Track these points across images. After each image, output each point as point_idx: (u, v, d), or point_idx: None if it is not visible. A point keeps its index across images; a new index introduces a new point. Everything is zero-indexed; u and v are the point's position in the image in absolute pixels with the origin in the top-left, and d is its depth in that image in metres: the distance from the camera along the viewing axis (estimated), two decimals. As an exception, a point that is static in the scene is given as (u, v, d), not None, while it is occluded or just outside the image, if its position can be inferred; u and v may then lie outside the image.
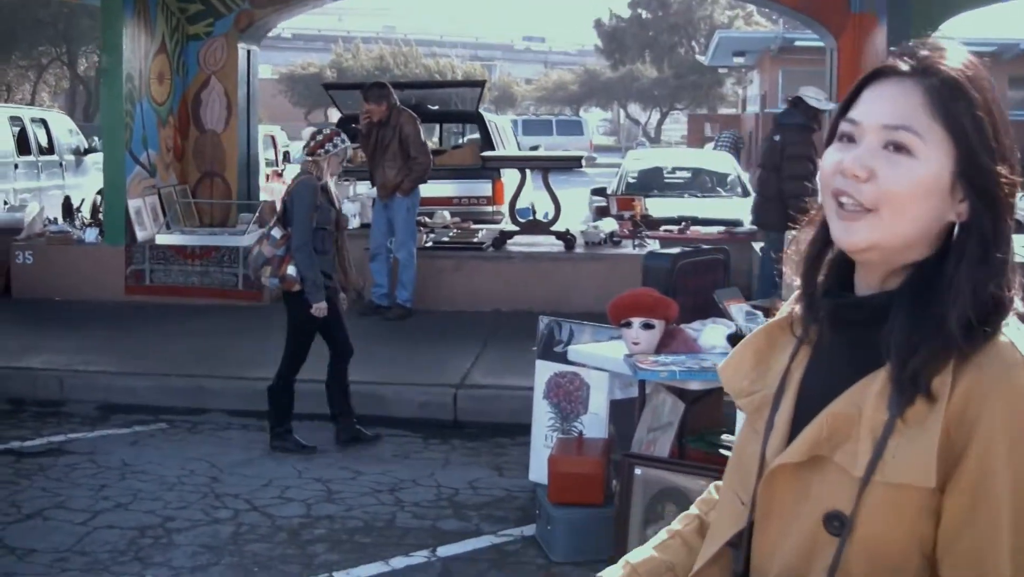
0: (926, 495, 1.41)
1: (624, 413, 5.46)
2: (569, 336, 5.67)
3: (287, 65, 57.90)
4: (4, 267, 10.90)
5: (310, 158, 6.61)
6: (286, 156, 20.23)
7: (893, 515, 1.42)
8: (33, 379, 7.93)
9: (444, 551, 5.21)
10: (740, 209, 13.11)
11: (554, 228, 10.94)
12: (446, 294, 10.41)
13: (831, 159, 1.51)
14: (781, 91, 31.17)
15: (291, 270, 6.43)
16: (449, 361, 8.29)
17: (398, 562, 5.08)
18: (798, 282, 1.62)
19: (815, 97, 9.51)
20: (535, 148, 20.17)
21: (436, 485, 6.13)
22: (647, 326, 4.89)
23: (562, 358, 5.58)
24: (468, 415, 7.41)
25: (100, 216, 11.93)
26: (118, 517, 5.56)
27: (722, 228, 11.64)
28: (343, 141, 6.67)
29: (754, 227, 11.83)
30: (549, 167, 11.64)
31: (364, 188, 11.59)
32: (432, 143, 15.99)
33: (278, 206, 12.87)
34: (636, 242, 10.73)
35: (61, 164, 16.53)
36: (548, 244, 10.92)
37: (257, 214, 11.51)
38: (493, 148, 13.21)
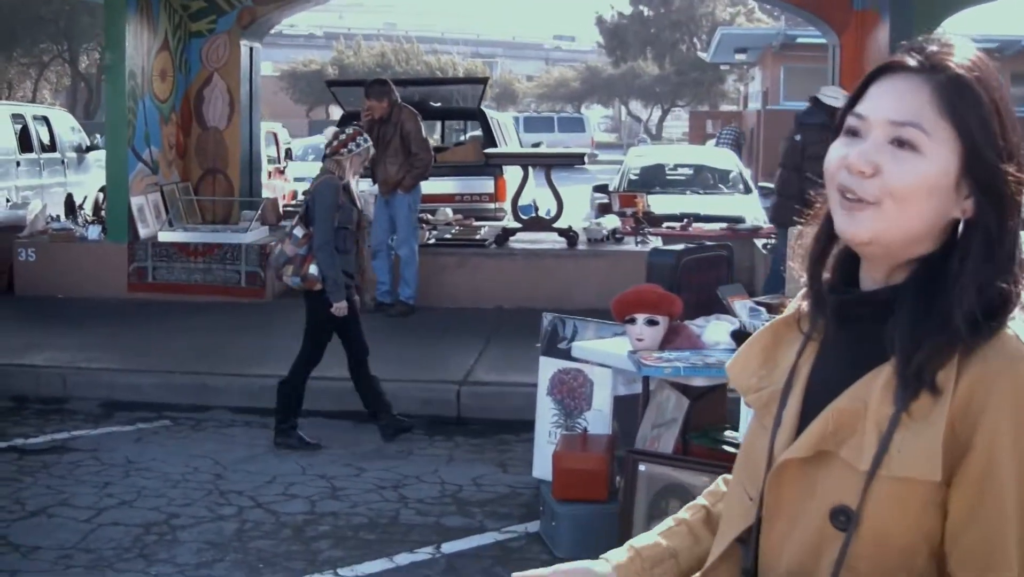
0: (932, 489, 1.42)
1: (628, 409, 5.47)
2: (573, 333, 5.67)
3: (288, 62, 57.88)
4: (7, 264, 10.91)
5: (333, 158, 6.62)
6: (288, 153, 20.21)
7: (899, 509, 1.42)
8: (36, 376, 7.94)
9: (448, 547, 5.22)
10: (742, 206, 13.14)
11: (556, 225, 10.95)
12: (449, 291, 10.42)
13: (836, 153, 1.51)
14: (783, 88, 31.17)
15: (313, 269, 6.46)
16: (452, 358, 8.29)
17: (402, 559, 5.08)
18: (804, 277, 1.62)
19: (833, 96, 9.49)
20: (537, 145, 20.16)
21: (440, 482, 6.14)
22: (651, 322, 4.90)
23: (566, 355, 5.58)
24: (471, 412, 7.42)
25: (102, 213, 11.95)
26: (122, 514, 5.56)
27: (724, 225, 11.64)
28: (365, 141, 6.70)
29: (755, 224, 11.86)
30: (552, 164, 11.64)
31: (365, 185, 11.59)
32: (434, 140, 16.00)
33: (280, 204, 12.94)
34: (638, 239, 10.73)
35: (63, 161, 16.53)
36: (550, 241, 10.92)
37: (259, 211, 11.52)
38: (495, 145, 13.20)
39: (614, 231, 10.99)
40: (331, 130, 6.83)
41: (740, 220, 11.99)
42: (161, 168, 11.50)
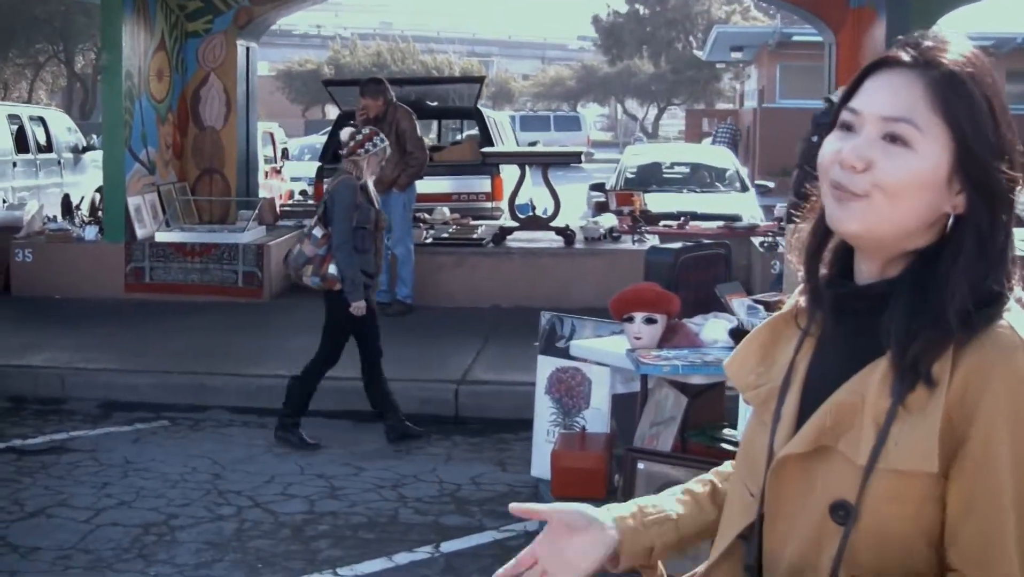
0: (930, 481, 1.43)
1: (626, 408, 5.47)
2: (571, 331, 5.68)
3: (284, 62, 57.80)
4: (4, 265, 10.90)
5: (350, 158, 6.64)
6: (284, 153, 20.20)
7: (898, 502, 1.43)
8: (34, 377, 7.93)
9: (447, 546, 5.22)
10: (739, 204, 13.14)
11: (553, 224, 10.95)
12: (446, 290, 10.42)
13: (830, 148, 1.52)
14: (779, 86, 31.17)
15: (332, 269, 6.48)
16: (450, 357, 8.29)
17: (401, 558, 5.09)
18: (801, 272, 1.63)
19: None
20: (534, 144, 20.18)
21: (438, 481, 6.14)
22: (649, 321, 4.90)
23: (564, 353, 5.59)
24: (470, 411, 7.42)
25: (99, 214, 11.93)
26: (121, 515, 5.56)
27: (721, 223, 11.64)
28: (382, 141, 6.73)
29: (752, 222, 11.87)
30: (548, 163, 11.65)
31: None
32: (431, 139, 15.99)
33: (277, 204, 12.94)
34: (635, 237, 10.74)
35: (59, 162, 16.52)
36: (548, 240, 10.93)
37: (256, 211, 11.51)
38: (492, 144, 13.20)
39: (611, 230, 11.00)
40: (348, 131, 6.85)
41: (737, 218, 12.00)
42: (158, 168, 11.50)
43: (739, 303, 5.08)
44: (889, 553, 1.44)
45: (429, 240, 10.98)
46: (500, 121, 15.59)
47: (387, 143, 6.86)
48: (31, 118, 16.23)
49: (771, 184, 16.64)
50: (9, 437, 6.85)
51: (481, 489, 6.02)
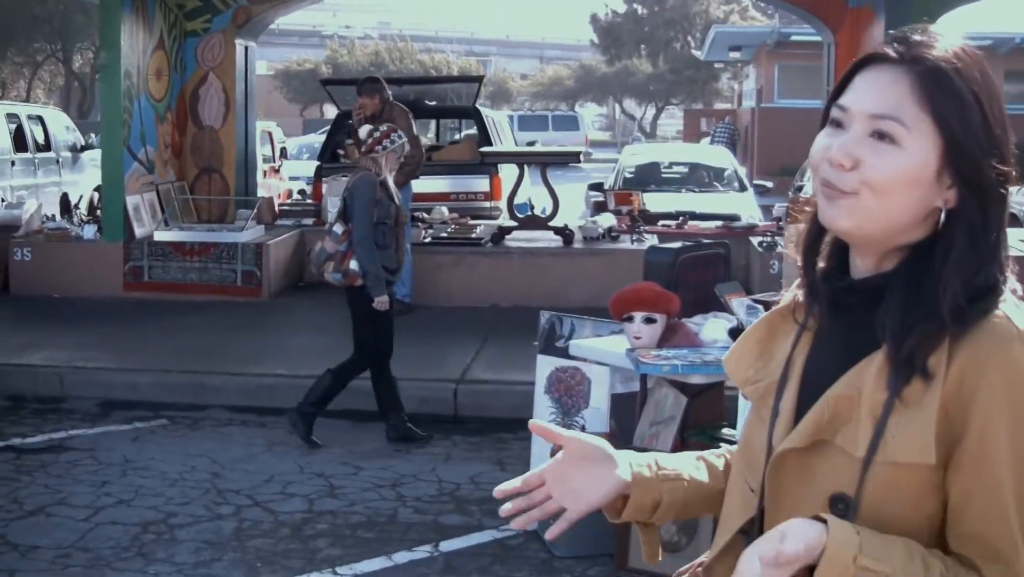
0: (928, 472, 1.43)
1: (625, 407, 5.47)
2: (570, 331, 5.68)
3: (282, 61, 57.78)
4: (2, 264, 10.89)
5: (369, 155, 6.66)
6: (283, 152, 20.19)
7: (897, 494, 1.44)
8: (33, 376, 7.93)
9: (446, 546, 5.22)
10: (737, 204, 13.14)
11: (552, 223, 10.95)
12: (444, 290, 10.42)
13: (820, 145, 1.53)
14: (777, 86, 31.18)
15: (353, 265, 6.51)
16: (449, 356, 8.29)
17: (401, 557, 5.09)
18: (799, 265, 1.65)
19: None
20: (532, 143, 20.17)
21: (438, 480, 6.14)
22: (649, 320, 4.90)
23: (563, 353, 5.58)
24: (468, 410, 7.42)
25: (98, 213, 11.92)
26: (120, 513, 5.56)
27: (719, 223, 11.65)
28: (400, 137, 6.75)
29: (751, 221, 11.87)
30: (547, 162, 11.65)
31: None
32: (429, 139, 16.00)
33: (276, 203, 12.93)
34: (634, 237, 10.74)
35: (58, 161, 16.52)
36: (546, 239, 10.93)
37: (255, 210, 11.51)
38: (491, 144, 13.20)
39: (610, 229, 11.01)
40: (366, 128, 6.87)
41: (736, 218, 12.00)
42: (157, 167, 11.50)
43: (738, 303, 5.08)
44: None
45: (428, 239, 10.98)
46: (499, 121, 15.59)
47: (405, 140, 6.90)
48: (29, 117, 16.23)
49: (769, 184, 16.67)
50: (8, 436, 6.85)
51: (480, 488, 6.02)
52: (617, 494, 1.68)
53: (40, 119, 16.52)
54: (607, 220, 11.22)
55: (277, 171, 18.26)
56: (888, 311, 1.48)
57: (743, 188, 14.43)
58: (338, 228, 6.59)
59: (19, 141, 15.46)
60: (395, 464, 6.39)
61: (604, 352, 5.18)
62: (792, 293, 1.68)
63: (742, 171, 15.66)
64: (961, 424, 1.42)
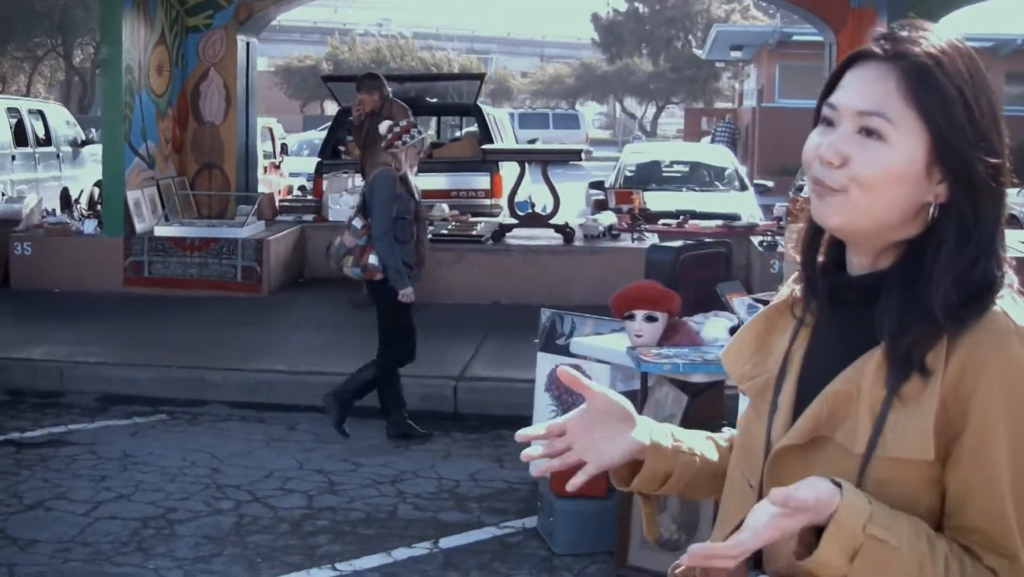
0: (927, 468, 1.44)
1: (626, 406, 5.46)
2: (571, 329, 5.68)
3: (283, 57, 57.73)
4: (3, 258, 10.89)
5: (388, 151, 6.67)
6: (284, 148, 20.19)
7: (896, 489, 1.45)
8: (33, 370, 7.93)
9: (446, 542, 5.23)
10: (738, 203, 13.14)
11: (553, 221, 10.95)
12: (445, 287, 10.40)
13: (811, 143, 1.54)
14: (778, 86, 31.17)
15: (373, 259, 6.53)
16: (449, 353, 8.29)
17: (400, 553, 5.09)
18: (798, 260, 1.66)
19: None
20: (533, 141, 20.16)
21: (437, 477, 6.14)
22: (650, 319, 4.90)
23: (564, 350, 5.58)
24: (468, 407, 7.42)
25: (98, 207, 11.92)
26: (120, 508, 5.57)
27: (720, 222, 11.65)
28: (419, 133, 6.77)
29: (751, 221, 11.87)
30: (548, 160, 11.64)
31: (362, 181, 11.59)
32: (430, 136, 15.94)
33: (276, 199, 12.93)
34: (635, 235, 10.74)
35: (58, 156, 16.51)
36: (547, 237, 10.93)
37: (256, 206, 11.51)
38: (492, 141, 13.19)
39: (610, 227, 11.00)
40: (386, 124, 6.87)
41: (736, 217, 12.00)
42: (157, 162, 11.49)
43: (739, 302, 5.08)
44: None
45: (428, 236, 10.95)
46: (500, 118, 15.58)
47: (425, 135, 6.90)
48: (30, 111, 16.22)
49: (770, 183, 16.66)
50: (8, 430, 6.85)
51: (479, 486, 6.02)
52: (634, 456, 1.69)
53: (41, 113, 16.51)
54: (608, 218, 11.22)
55: (278, 167, 18.25)
56: (885, 309, 1.49)
57: (744, 187, 14.42)
58: (357, 222, 6.60)
59: (20, 135, 15.44)
60: (395, 461, 6.39)
61: (605, 350, 5.19)
62: (789, 288, 1.69)
63: (743, 170, 15.65)
64: (960, 420, 1.43)
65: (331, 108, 33.60)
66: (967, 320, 1.44)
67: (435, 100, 14.64)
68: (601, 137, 56.58)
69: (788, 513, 1.37)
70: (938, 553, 1.39)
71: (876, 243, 1.53)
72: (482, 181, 13.10)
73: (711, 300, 5.29)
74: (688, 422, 4.91)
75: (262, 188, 13.46)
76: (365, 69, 35.99)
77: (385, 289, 6.59)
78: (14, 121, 15.39)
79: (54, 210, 12.94)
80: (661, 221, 11.45)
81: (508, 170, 12.62)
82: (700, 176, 15.03)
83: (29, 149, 15.64)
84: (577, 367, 5.60)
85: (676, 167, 15.53)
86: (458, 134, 16.80)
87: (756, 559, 1.59)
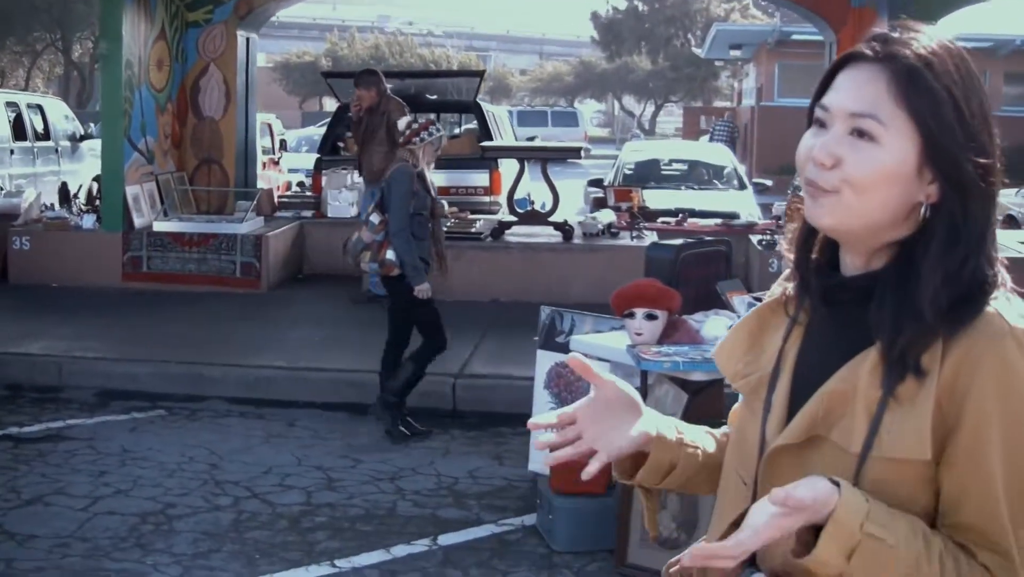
0: (922, 467, 1.45)
1: (625, 404, 5.46)
2: (571, 326, 5.68)
3: (282, 53, 57.73)
4: (1, 253, 10.88)
5: (406, 147, 6.66)
6: (283, 144, 20.17)
7: (892, 488, 1.46)
8: (31, 365, 7.92)
9: (445, 540, 5.22)
10: (737, 202, 13.13)
11: (552, 219, 10.94)
12: (443, 284, 10.38)
13: (805, 144, 1.55)
14: (777, 85, 31.18)
15: (390, 255, 6.54)
16: (448, 351, 8.25)
17: (399, 550, 5.09)
18: (791, 259, 1.66)
19: None
20: (532, 139, 20.16)
21: (436, 474, 6.14)
22: (650, 317, 4.90)
23: (563, 348, 5.58)
24: (467, 404, 7.42)
25: (97, 202, 11.90)
26: (118, 503, 5.56)
27: (719, 220, 11.65)
28: (438, 130, 6.78)
29: (750, 220, 11.87)
30: (548, 158, 11.64)
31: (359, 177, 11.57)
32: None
33: (275, 195, 12.92)
34: (633, 233, 10.74)
35: (57, 150, 16.49)
36: (546, 235, 10.92)
37: (255, 202, 11.50)
38: (491, 138, 13.18)
39: (609, 225, 11.00)
40: (405, 120, 6.88)
41: (735, 216, 11.99)
42: (156, 158, 11.48)
43: (740, 300, 5.09)
44: None
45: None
46: (499, 116, 15.57)
47: (443, 132, 6.91)
48: (29, 106, 16.19)
49: (769, 182, 16.65)
50: (6, 425, 6.84)
51: (478, 483, 6.02)
52: (641, 447, 1.70)
53: (39, 108, 16.49)
54: (607, 216, 11.22)
55: (276, 163, 18.24)
56: (880, 311, 1.50)
57: (742, 186, 14.42)
58: (375, 218, 6.60)
59: (18, 130, 15.42)
60: (393, 457, 6.39)
61: (605, 348, 5.18)
62: (782, 286, 1.69)
63: (741, 169, 15.65)
64: (955, 419, 1.44)
65: (330, 104, 33.56)
66: (961, 321, 1.45)
67: (435, 97, 14.62)
68: (599, 135, 56.59)
69: (787, 512, 1.38)
70: (933, 551, 1.41)
71: (869, 243, 1.53)
72: (481, 178, 13.09)
73: (711, 298, 5.29)
74: (688, 420, 4.88)
75: (261, 184, 13.45)
76: (364, 65, 35.99)
77: (402, 285, 6.59)
78: (13, 115, 15.38)
79: (53, 205, 12.93)
80: (660, 219, 11.45)
81: (507, 167, 12.62)
82: (699, 175, 15.02)
83: (28, 143, 15.62)
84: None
85: (675, 165, 15.53)
86: (457, 131, 16.79)
87: (751, 557, 1.60)
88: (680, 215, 11.54)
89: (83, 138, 17.21)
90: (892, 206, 1.49)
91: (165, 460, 6.24)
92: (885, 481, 1.45)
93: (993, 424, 1.42)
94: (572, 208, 14.14)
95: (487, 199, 13.03)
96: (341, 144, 13.26)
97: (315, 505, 5.62)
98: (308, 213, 12.17)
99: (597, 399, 1.69)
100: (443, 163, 12.85)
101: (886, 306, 1.49)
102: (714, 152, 17.11)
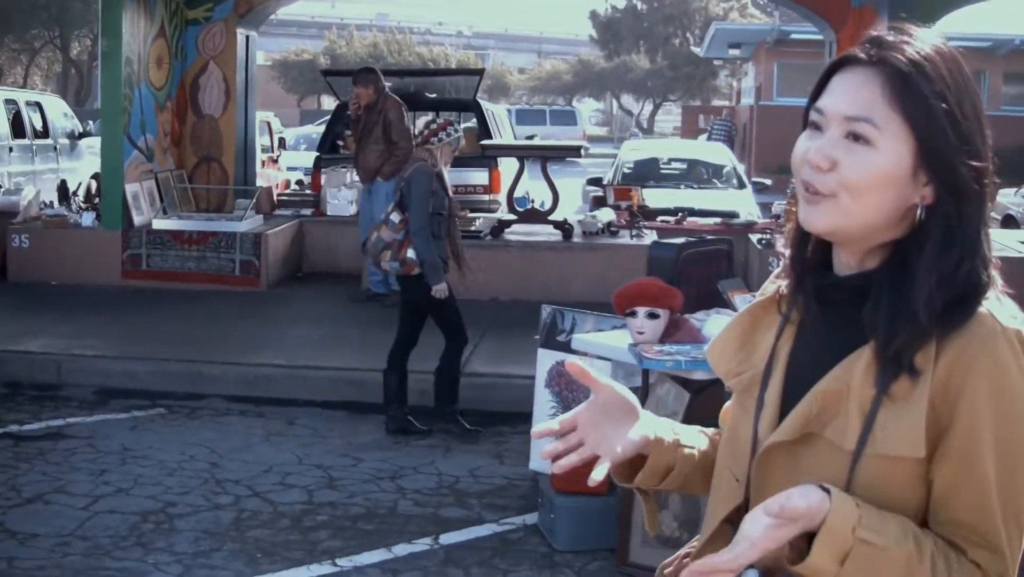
0: (916, 465, 1.47)
1: (627, 403, 5.45)
2: (572, 325, 5.68)
3: (280, 51, 57.68)
4: (0, 250, 10.87)
5: (424, 147, 6.67)
6: (281, 142, 20.16)
7: (885, 485, 1.47)
8: (31, 362, 7.91)
9: (446, 539, 5.22)
10: (736, 201, 13.13)
11: (552, 217, 10.94)
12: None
13: (800, 148, 1.56)
14: (776, 84, 31.18)
15: (411, 253, 6.55)
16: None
17: (401, 549, 5.08)
18: (786, 258, 1.67)
19: None
20: (531, 138, 20.15)
21: (437, 473, 6.13)
22: (652, 316, 4.89)
23: (564, 347, 5.58)
24: (467, 403, 7.38)
25: (96, 200, 11.88)
26: (119, 502, 5.55)
27: (718, 219, 11.64)
28: (456, 131, 6.79)
29: (749, 219, 11.86)
30: (547, 156, 11.63)
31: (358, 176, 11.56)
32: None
33: (274, 193, 12.91)
34: (633, 232, 10.73)
35: (56, 148, 16.47)
36: (545, 233, 10.91)
37: (254, 200, 11.49)
38: (491, 137, 13.18)
39: (609, 224, 11.00)
40: (423, 120, 6.89)
41: (734, 215, 11.99)
42: (156, 155, 11.47)
43: (741, 299, 5.08)
44: None
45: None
46: (498, 114, 15.57)
47: (461, 133, 6.92)
48: (28, 103, 16.17)
49: (768, 181, 16.65)
50: (6, 423, 6.83)
51: (479, 482, 6.02)
52: (640, 450, 1.70)
53: (38, 105, 16.47)
54: (606, 215, 11.21)
55: (275, 161, 18.23)
56: (874, 310, 1.51)
57: (742, 185, 14.42)
58: (395, 217, 6.61)
59: (17, 127, 15.41)
60: (394, 456, 6.39)
61: (607, 347, 5.18)
62: (775, 284, 1.70)
63: (741, 168, 15.65)
64: (948, 418, 1.45)
65: (328, 102, 33.56)
66: (955, 322, 1.46)
67: (434, 95, 14.60)
68: (598, 134, 56.62)
69: (783, 523, 1.40)
70: (924, 550, 1.42)
71: (864, 244, 1.55)
72: (481, 177, 13.09)
73: (713, 297, 5.29)
74: (690, 419, 4.88)
75: (260, 182, 13.44)
76: (363, 63, 35.95)
77: (420, 284, 6.59)
78: (11, 113, 15.36)
79: (52, 202, 12.91)
80: (659, 218, 11.44)
81: (507, 166, 12.61)
82: (698, 173, 15.02)
83: (27, 141, 15.60)
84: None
85: (674, 164, 15.52)
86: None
87: None
88: (679, 214, 11.53)
89: (82, 136, 17.20)
90: (887, 208, 1.50)
91: (165, 458, 6.23)
92: (879, 478, 1.47)
93: (986, 423, 1.44)
94: (571, 207, 14.13)
95: (487, 197, 13.03)
96: (340, 142, 13.25)
97: (316, 504, 5.62)
98: (307, 211, 12.16)
99: (596, 404, 1.69)
100: (442, 161, 12.87)
101: (881, 307, 1.50)
102: (713, 151, 17.11)
